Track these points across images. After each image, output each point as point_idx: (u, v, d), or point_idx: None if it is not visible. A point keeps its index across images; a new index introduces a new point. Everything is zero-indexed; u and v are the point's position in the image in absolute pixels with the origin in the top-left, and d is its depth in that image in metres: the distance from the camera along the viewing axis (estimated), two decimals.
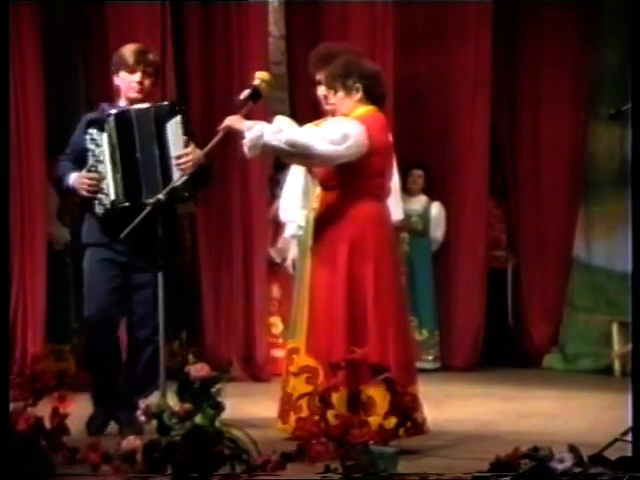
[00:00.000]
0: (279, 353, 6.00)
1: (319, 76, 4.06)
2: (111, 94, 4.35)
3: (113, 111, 4.07)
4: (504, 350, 6.67)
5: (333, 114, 4.04)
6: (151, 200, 3.84)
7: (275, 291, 6.19)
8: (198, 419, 3.18)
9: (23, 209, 5.41)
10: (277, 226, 5.60)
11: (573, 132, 6.73)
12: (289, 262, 4.37)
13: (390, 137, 4.05)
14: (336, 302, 3.84)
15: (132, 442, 3.24)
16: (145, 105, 4.08)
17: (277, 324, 6.19)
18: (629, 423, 3.09)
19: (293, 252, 4.33)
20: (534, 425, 4.39)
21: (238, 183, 6.00)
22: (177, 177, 3.96)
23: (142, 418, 3.31)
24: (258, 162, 5.84)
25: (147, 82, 4.10)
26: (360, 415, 3.59)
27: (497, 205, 6.97)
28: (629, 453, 3.01)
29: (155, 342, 3.92)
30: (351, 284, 3.83)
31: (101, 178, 4.02)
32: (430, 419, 3.88)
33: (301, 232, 4.21)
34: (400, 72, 6.25)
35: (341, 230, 3.87)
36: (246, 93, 3.88)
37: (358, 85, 3.93)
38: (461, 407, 4.99)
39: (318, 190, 4.06)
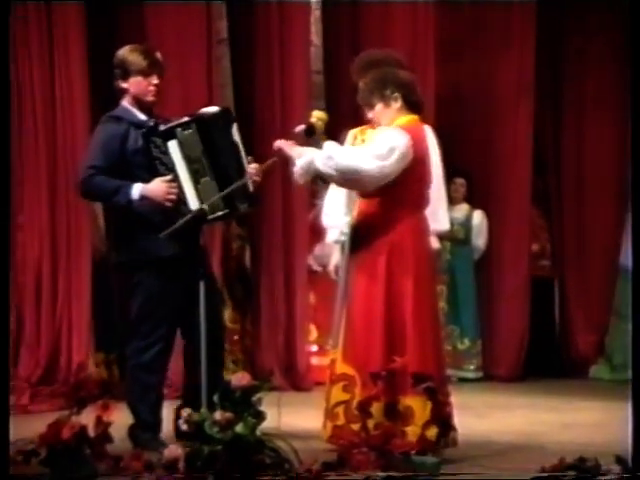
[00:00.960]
0: (315, 361, 6.03)
1: (362, 83, 4.09)
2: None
3: (183, 119, 3.98)
4: (549, 360, 6.62)
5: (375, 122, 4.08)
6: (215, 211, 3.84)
7: (311, 298, 6.22)
8: (239, 428, 3.21)
9: (69, 218, 5.48)
10: (314, 234, 5.62)
11: (618, 137, 6.67)
12: (331, 268, 4.36)
13: (437, 146, 4.05)
14: (374, 311, 3.85)
15: (174, 451, 3.28)
16: (211, 110, 4.05)
17: (312, 331, 6.22)
18: None
19: (335, 258, 4.33)
20: (579, 436, 4.35)
21: (279, 192, 6.04)
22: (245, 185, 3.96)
23: (184, 427, 3.34)
24: None
25: (160, 84, 4.07)
26: (397, 425, 3.59)
27: (540, 215, 6.93)
28: None
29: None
30: (389, 294, 3.85)
31: (180, 187, 3.93)
32: (472, 429, 3.87)
33: (344, 238, 4.23)
34: (442, 78, 6.25)
35: (380, 239, 3.89)
36: (302, 128, 3.97)
37: (396, 94, 3.95)
38: (504, 418, 4.96)
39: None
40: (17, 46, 5.42)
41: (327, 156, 3.81)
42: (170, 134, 3.94)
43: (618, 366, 6.50)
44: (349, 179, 3.85)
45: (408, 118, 3.97)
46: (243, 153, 4.01)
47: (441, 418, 3.37)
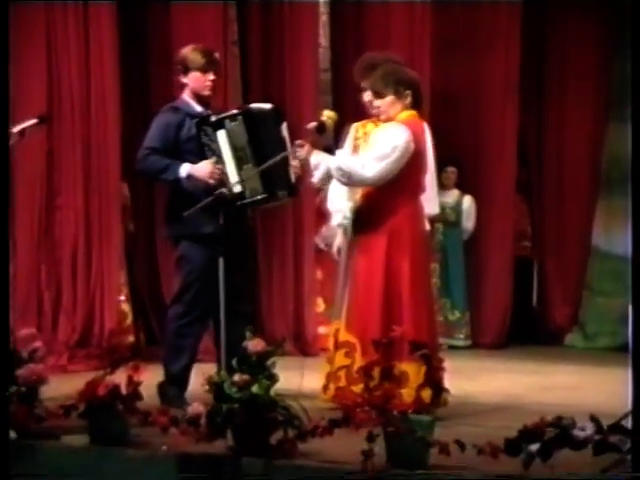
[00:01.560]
0: (322, 330, 6.04)
1: (364, 83, 4.07)
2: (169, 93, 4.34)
3: (232, 112, 4.05)
4: (529, 329, 6.63)
5: (378, 116, 4.06)
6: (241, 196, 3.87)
7: (318, 274, 6.22)
8: (255, 389, 3.22)
9: (101, 200, 5.47)
10: (321, 215, 5.61)
11: (595, 131, 6.66)
12: (334, 249, 4.37)
13: (429, 138, 4.05)
14: (374, 287, 3.89)
15: (197, 408, 3.29)
16: (265, 106, 4.08)
17: (320, 304, 6.23)
18: None
19: (338, 240, 4.32)
20: (557, 397, 4.36)
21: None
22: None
23: (205, 387, 3.35)
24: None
25: (216, 80, 4.12)
26: (393, 387, 3.60)
27: (522, 201, 6.93)
28: None
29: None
30: (388, 272, 3.88)
31: (223, 169, 3.98)
32: (462, 391, 3.88)
33: (346, 222, 4.23)
34: (436, 76, 6.21)
35: (380, 223, 3.92)
36: (313, 125, 4.00)
37: (408, 92, 3.94)
38: (490, 381, 4.97)
39: None
40: (57, 42, 5.40)
41: (337, 167, 3.91)
42: (219, 124, 4.01)
43: (590, 335, 6.53)
44: (358, 183, 3.96)
45: (409, 113, 3.96)
46: (289, 148, 4.04)
47: (434, 382, 3.37)
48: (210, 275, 3.93)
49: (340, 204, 4.26)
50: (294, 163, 4.07)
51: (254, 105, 4.17)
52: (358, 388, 3.57)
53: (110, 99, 5.48)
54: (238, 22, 5.99)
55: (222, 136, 3.99)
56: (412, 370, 3.69)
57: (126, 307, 5.77)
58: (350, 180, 3.94)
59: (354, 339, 3.89)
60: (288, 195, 4.14)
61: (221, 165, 3.99)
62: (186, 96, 4.16)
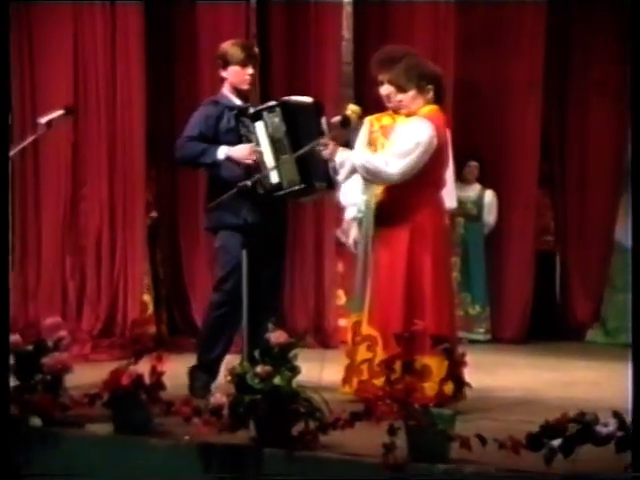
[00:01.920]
0: (343, 322, 6.04)
1: (382, 76, 4.06)
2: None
3: (270, 104, 4.06)
4: (550, 325, 6.60)
5: (395, 110, 4.06)
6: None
7: (339, 266, 6.22)
8: (277, 380, 3.22)
9: (125, 191, 5.50)
10: (341, 210, 5.61)
11: (618, 126, 6.59)
12: (350, 242, 4.35)
13: (449, 133, 4.03)
14: (396, 282, 3.89)
15: (219, 398, 3.30)
16: (305, 99, 4.10)
17: (341, 296, 6.23)
18: None
19: (354, 233, 4.31)
20: (578, 392, 4.34)
21: None
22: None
23: (228, 378, 3.36)
24: None
25: (255, 74, 4.17)
26: (415, 381, 3.60)
27: (545, 195, 6.89)
28: None
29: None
30: (410, 266, 3.88)
31: (261, 160, 4.00)
32: (482, 386, 3.86)
33: (361, 215, 4.22)
34: (459, 71, 6.18)
35: (403, 216, 3.91)
36: (338, 119, 3.98)
37: (430, 86, 3.93)
38: (511, 375, 4.95)
39: None
40: (84, 35, 5.43)
41: (362, 165, 3.90)
42: (257, 116, 4.04)
43: (612, 331, 6.49)
44: (383, 180, 3.95)
45: (431, 107, 3.94)
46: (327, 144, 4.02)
47: (456, 375, 3.36)
48: (253, 266, 3.94)
49: (355, 197, 4.25)
50: (342, 155, 4.06)
51: (293, 98, 4.17)
52: (380, 381, 3.57)
53: (135, 90, 5.52)
54: (259, 16, 5.98)
55: (260, 127, 4.02)
56: (435, 364, 3.69)
57: (147, 297, 5.80)
58: (375, 178, 3.94)
59: (376, 332, 3.89)
60: (327, 187, 4.13)
61: (259, 155, 4.01)
62: (225, 90, 4.20)
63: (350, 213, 4.30)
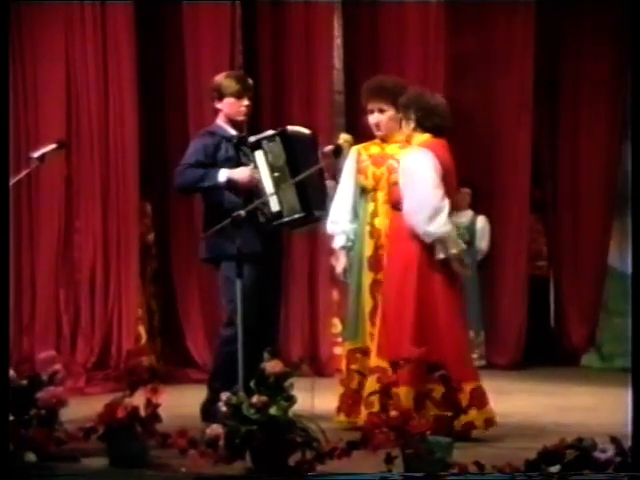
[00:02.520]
0: (338, 350, 6.02)
1: (372, 105, 4.12)
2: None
3: (269, 132, 4.09)
4: (545, 350, 6.59)
5: (384, 139, 4.13)
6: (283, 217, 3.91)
7: (334, 294, 6.22)
8: (273, 410, 3.21)
9: (119, 223, 5.52)
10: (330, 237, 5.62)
11: (609, 151, 6.63)
12: (339, 270, 4.34)
13: (452, 159, 4.06)
14: (405, 310, 3.86)
15: (215, 430, 3.29)
16: (302, 129, 4.14)
17: (336, 324, 6.22)
18: None
19: (343, 262, 4.31)
20: (575, 418, 4.32)
21: None
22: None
23: (223, 408, 3.34)
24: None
25: (250, 105, 4.20)
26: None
27: (538, 220, 6.92)
28: None
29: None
30: (420, 294, 3.85)
31: (260, 188, 4.00)
32: None
33: (350, 244, 4.23)
34: (450, 96, 6.20)
35: (410, 244, 3.89)
36: (330, 149, 4.02)
37: (429, 117, 3.97)
38: (507, 401, 4.91)
39: (371, 206, 4.10)
40: (75, 63, 5.47)
41: (425, 233, 3.89)
42: (257, 145, 4.07)
43: (607, 356, 6.47)
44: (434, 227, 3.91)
45: (425, 137, 3.97)
46: (324, 173, 4.11)
47: (453, 402, 3.36)
48: (257, 295, 3.92)
49: (343, 225, 4.26)
50: (329, 184, 4.09)
51: (290, 127, 4.21)
52: (392, 413, 3.56)
53: (128, 120, 5.54)
54: (247, 44, 6.02)
55: (260, 156, 4.04)
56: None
57: (141, 328, 5.78)
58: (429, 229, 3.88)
59: (385, 364, 3.85)
60: (324, 215, 4.17)
61: (259, 183, 4.02)
62: (220, 121, 4.22)
63: (339, 242, 4.30)
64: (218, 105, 4.20)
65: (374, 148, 4.21)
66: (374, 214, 4.15)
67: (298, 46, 6.03)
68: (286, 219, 4.02)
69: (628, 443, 2.97)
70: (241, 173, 4.04)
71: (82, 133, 5.50)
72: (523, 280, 6.58)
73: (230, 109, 4.16)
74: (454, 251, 3.89)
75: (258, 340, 3.89)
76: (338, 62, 6.55)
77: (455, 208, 6.35)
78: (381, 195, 4.14)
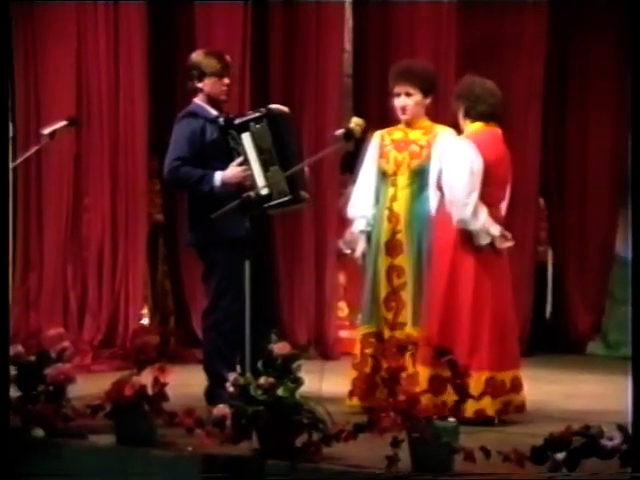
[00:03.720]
0: (345, 334, 6.02)
1: (399, 89, 4.11)
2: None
3: (255, 114, 4.03)
4: (547, 338, 6.57)
5: (409, 124, 4.13)
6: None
7: (341, 278, 6.21)
8: (280, 391, 3.21)
9: (127, 202, 5.49)
10: (343, 219, 5.61)
11: (616, 137, 6.60)
12: (358, 254, 4.33)
13: (503, 149, 4.06)
14: (454, 297, 3.88)
15: (222, 410, 3.29)
16: (284, 108, 4.09)
17: (343, 308, 6.21)
18: None
19: (362, 245, 4.30)
20: (580, 405, 4.32)
21: (312, 181, 6.00)
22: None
23: (230, 389, 3.35)
24: (329, 162, 5.86)
25: (230, 84, 4.14)
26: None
27: (541, 206, 6.88)
28: None
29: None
30: (475, 286, 3.90)
31: (250, 174, 3.98)
32: None
33: (369, 228, 4.21)
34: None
35: (453, 231, 3.88)
36: (341, 132, 3.96)
37: (462, 106, 3.98)
38: None
39: (391, 190, 4.10)
40: (87, 45, 5.44)
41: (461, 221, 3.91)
42: (244, 127, 4.00)
43: (613, 343, 6.47)
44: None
45: (476, 126, 3.96)
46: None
47: (459, 388, 3.35)
48: (242, 279, 3.92)
49: (364, 210, 4.25)
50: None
51: (274, 106, 4.17)
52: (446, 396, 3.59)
53: (138, 100, 5.51)
54: (257, 26, 5.97)
55: (247, 139, 3.99)
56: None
57: (146, 309, 5.79)
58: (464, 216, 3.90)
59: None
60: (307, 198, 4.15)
61: (247, 167, 3.99)
62: (200, 101, 4.13)
63: (359, 226, 4.28)
64: (199, 85, 4.11)
65: (397, 133, 4.20)
66: (393, 198, 4.14)
67: (309, 29, 5.96)
68: (275, 202, 3.98)
69: (631, 430, 2.96)
70: (232, 174, 3.98)
71: (92, 111, 5.49)
72: (530, 268, 6.54)
73: (212, 89, 4.08)
74: (483, 242, 3.91)
75: (258, 322, 3.84)
76: (347, 44, 6.51)
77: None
78: (401, 180, 4.13)
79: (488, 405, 3.78)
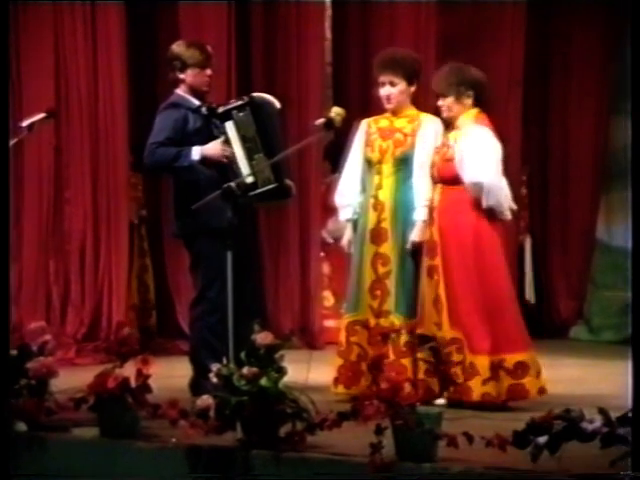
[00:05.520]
0: (330, 323, 6.03)
1: (384, 77, 4.10)
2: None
3: (238, 102, 4.03)
4: (531, 323, 6.58)
5: (394, 112, 4.10)
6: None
7: (325, 268, 6.21)
8: (263, 381, 3.21)
9: (109, 194, 5.47)
10: (327, 209, 5.60)
11: (597, 126, 6.63)
12: (345, 242, 4.32)
13: None
14: (471, 283, 3.90)
15: (206, 400, 3.29)
16: (267, 96, 4.09)
17: (329, 297, 6.22)
18: None
19: (349, 234, 4.30)
20: (563, 389, 4.34)
21: (295, 171, 6.00)
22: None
23: (214, 379, 3.34)
24: (314, 152, 5.85)
25: (212, 75, 4.13)
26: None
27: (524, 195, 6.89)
28: None
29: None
30: (481, 266, 3.91)
31: (233, 160, 3.95)
32: None
33: (356, 216, 4.21)
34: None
35: (466, 220, 3.92)
36: (321, 122, 3.96)
37: (470, 92, 3.98)
38: None
39: (376, 179, 4.11)
40: (65, 37, 5.40)
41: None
42: (227, 115, 3.99)
43: (595, 328, 6.52)
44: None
45: (476, 111, 3.98)
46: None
47: (441, 373, 3.38)
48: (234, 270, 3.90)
49: (351, 198, 4.24)
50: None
51: (257, 94, 4.16)
52: (474, 382, 3.66)
53: (118, 92, 5.49)
54: (240, 16, 5.95)
55: (230, 127, 3.98)
56: (529, 358, 3.89)
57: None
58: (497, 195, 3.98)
59: (461, 335, 3.86)
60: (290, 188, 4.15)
61: (231, 156, 3.98)
62: (181, 91, 4.13)
63: (345, 214, 4.28)
64: (181, 76, 4.11)
65: (383, 121, 4.20)
66: (378, 187, 4.14)
67: (289, 17, 5.94)
68: (260, 190, 3.96)
69: (614, 414, 2.98)
70: (213, 148, 3.98)
71: (71, 103, 5.45)
72: (514, 255, 6.56)
73: (194, 79, 4.08)
74: (508, 218, 4.05)
75: (242, 312, 3.86)
76: (328, 32, 6.48)
77: None
78: (386, 168, 4.13)
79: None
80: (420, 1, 6.16)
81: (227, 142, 4.00)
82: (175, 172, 4.12)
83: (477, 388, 3.68)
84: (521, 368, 3.87)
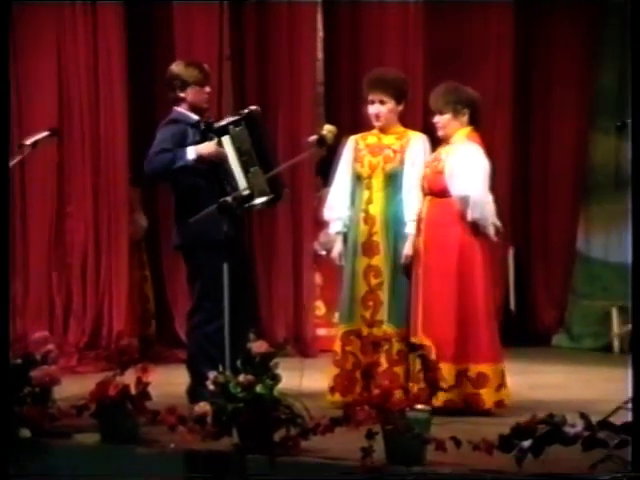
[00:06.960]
0: (322, 332, 6.04)
1: (373, 96, 4.12)
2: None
3: (234, 117, 4.06)
4: (514, 331, 6.62)
5: (382, 129, 4.12)
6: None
7: (317, 278, 6.22)
8: (259, 388, 3.22)
9: (110, 208, 5.47)
10: (319, 221, 5.61)
11: (577, 141, 6.68)
12: (335, 254, 4.33)
13: None
14: (448, 294, 3.90)
15: (203, 407, 3.29)
16: (259, 110, 4.13)
17: (320, 307, 6.23)
18: (629, 394, 3.05)
19: (339, 246, 4.31)
20: (545, 396, 4.36)
21: (288, 185, 6.00)
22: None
23: (211, 387, 3.34)
24: (306, 167, 5.87)
25: (210, 92, 4.18)
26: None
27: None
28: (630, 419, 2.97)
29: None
30: (462, 279, 3.90)
31: (228, 169, 3.98)
32: None
33: (345, 230, 4.23)
34: (429, 87, 6.20)
35: (452, 233, 3.93)
36: (314, 139, 3.99)
37: (465, 110, 4.01)
38: None
39: (366, 193, 4.11)
40: (67, 55, 5.41)
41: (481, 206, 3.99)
42: (224, 130, 4.02)
43: (576, 336, 6.54)
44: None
45: (469, 129, 4.02)
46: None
47: (430, 380, 3.38)
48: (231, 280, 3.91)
49: (340, 212, 4.26)
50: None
51: (252, 108, 4.20)
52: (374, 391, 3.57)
53: (118, 109, 5.49)
54: (233, 34, 5.98)
55: (227, 142, 4.01)
56: (490, 371, 3.83)
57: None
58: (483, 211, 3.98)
59: (430, 342, 3.87)
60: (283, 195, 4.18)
61: (228, 170, 4.00)
62: (182, 109, 4.17)
63: (335, 227, 4.29)
64: (181, 94, 4.15)
65: (371, 138, 4.22)
66: (369, 201, 4.16)
67: (281, 35, 5.95)
68: (256, 201, 3.99)
69: (596, 419, 3.00)
70: (208, 148, 4.02)
71: (73, 120, 5.46)
72: (499, 266, 6.57)
73: (194, 97, 4.12)
74: (491, 234, 4.01)
75: (238, 321, 3.85)
76: (320, 54, 6.52)
77: None
78: (376, 183, 4.15)
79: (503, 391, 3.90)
80: (407, 19, 6.18)
81: (226, 161, 4.03)
82: (174, 177, 4.13)
83: (441, 394, 3.69)
84: (482, 378, 3.86)
